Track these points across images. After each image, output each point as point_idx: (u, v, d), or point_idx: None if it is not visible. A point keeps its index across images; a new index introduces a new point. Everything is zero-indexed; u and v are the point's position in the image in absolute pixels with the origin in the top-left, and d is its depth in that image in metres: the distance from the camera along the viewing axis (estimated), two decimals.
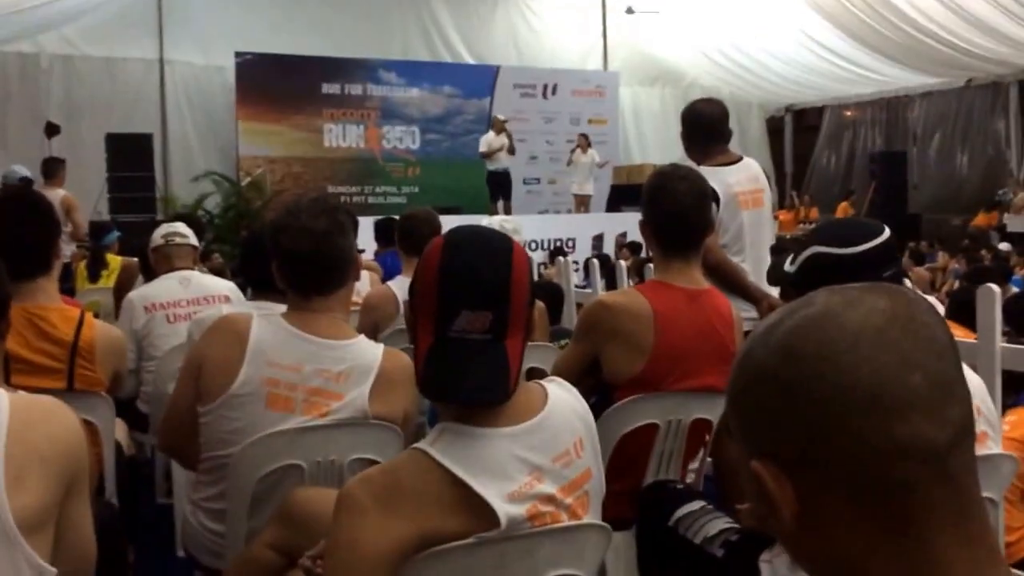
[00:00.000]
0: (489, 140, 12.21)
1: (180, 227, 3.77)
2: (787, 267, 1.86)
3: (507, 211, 12.14)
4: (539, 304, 3.35)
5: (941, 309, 5.35)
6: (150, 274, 3.87)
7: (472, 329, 1.37)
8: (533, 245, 11.21)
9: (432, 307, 1.38)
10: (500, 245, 1.43)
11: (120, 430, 2.78)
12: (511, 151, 12.19)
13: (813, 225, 14.16)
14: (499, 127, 12.22)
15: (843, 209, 14.83)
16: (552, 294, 4.48)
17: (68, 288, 5.26)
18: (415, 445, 1.39)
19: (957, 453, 0.73)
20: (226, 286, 3.58)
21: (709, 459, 2.49)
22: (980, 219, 13.39)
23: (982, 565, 0.73)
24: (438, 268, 1.38)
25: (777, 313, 0.80)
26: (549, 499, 1.39)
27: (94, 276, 5.36)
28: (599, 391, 2.32)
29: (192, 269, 3.68)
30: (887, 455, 0.71)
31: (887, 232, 1.78)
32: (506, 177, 12.29)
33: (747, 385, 0.79)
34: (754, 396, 0.78)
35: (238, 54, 13.15)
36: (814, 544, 0.76)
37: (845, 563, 0.74)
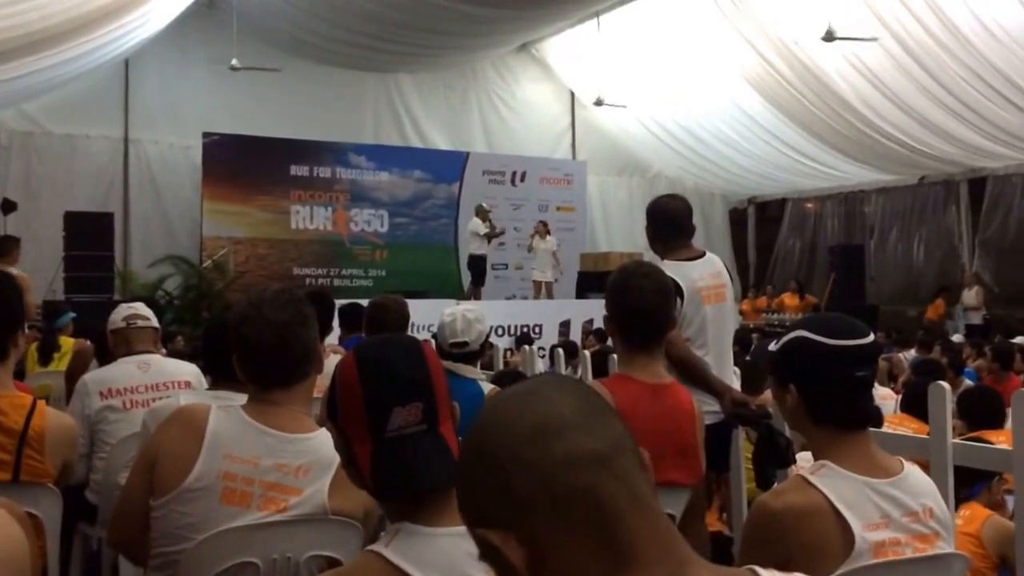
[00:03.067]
0: (479, 226, 12.62)
1: (142, 309, 3.67)
2: (772, 347, 1.90)
3: (477, 296, 12.33)
4: None
5: (897, 400, 5.42)
6: (106, 357, 3.78)
7: (407, 424, 1.40)
8: (499, 331, 11.22)
9: (362, 415, 1.40)
10: (408, 342, 1.50)
11: None
12: (488, 240, 12.65)
13: (778, 313, 14.46)
14: (483, 215, 12.66)
15: (788, 299, 15.12)
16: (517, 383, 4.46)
17: (18, 371, 5.11)
18: (369, 547, 1.38)
19: (620, 459, 0.92)
20: (189, 371, 3.47)
21: None
22: (931, 311, 13.67)
23: (659, 530, 0.91)
24: (359, 377, 1.41)
25: None
26: None
27: (45, 359, 5.21)
28: None
29: (153, 352, 3.60)
30: (565, 466, 0.89)
31: (871, 337, 1.83)
32: (484, 262, 12.66)
33: (462, 478, 0.97)
34: (462, 474, 0.96)
35: (206, 134, 13.23)
36: None
37: None
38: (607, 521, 0.89)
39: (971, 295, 13.06)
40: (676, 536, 0.94)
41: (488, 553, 0.92)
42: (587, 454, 0.90)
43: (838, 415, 1.80)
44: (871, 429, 2.91)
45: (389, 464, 1.38)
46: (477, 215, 12.78)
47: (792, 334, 1.85)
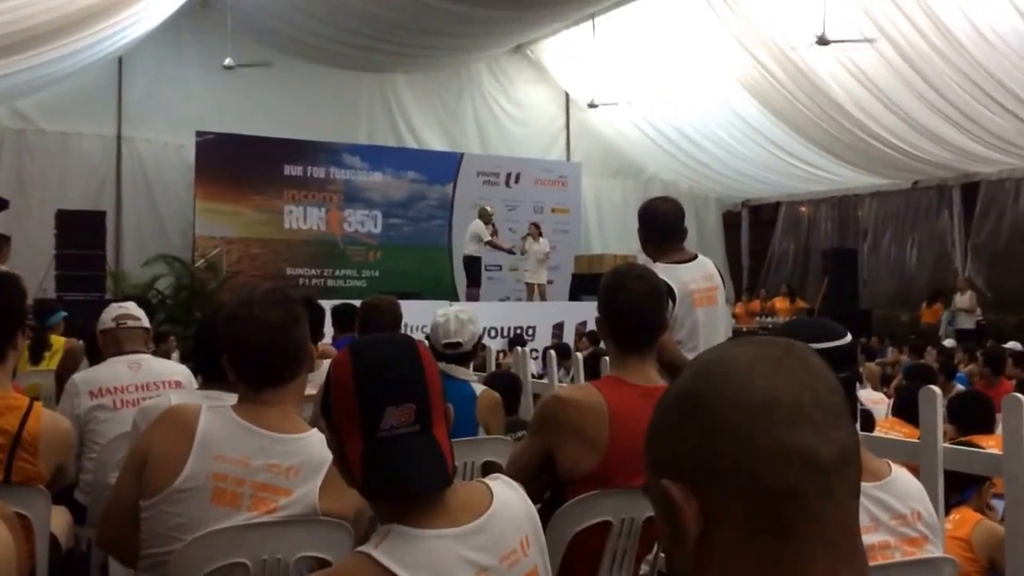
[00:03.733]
0: (482, 230, 12.65)
1: (132, 309, 3.62)
2: None
3: (475, 297, 12.42)
4: (494, 395, 3.35)
5: (889, 405, 5.44)
6: (97, 357, 3.75)
7: (400, 424, 1.39)
8: (492, 332, 11.22)
9: (355, 413, 1.40)
10: (404, 341, 1.49)
11: (62, 521, 2.67)
12: (492, 247, 12.81)
13: (770, 317, 14.48)
14: (487, 218, 12.73)
15: (779, 302, 15.14)
16: (509, 384, 4.46)
17: None
18: (359, 549, 1.38)
19: (842, 473, 0.79)
20: (179, 371, 3.46)
21: (663, 555, 2.46)
22: (928, 315, 13.69)
23: (848, 563, 0.79)
24: (353, 374, 1.41)
25: None
26: None
27: (36, 358, 5.18)
28: (553, 487, 2.31)
29: (143, 352, 3.58)
30: (776, 459, 0.77)
31: (848, 337, 1.85)
32: (479, 263, 12.73)
33: (662, 408, 0.86)
34: (667, 415, 0.85)
35: (199, 133, 13.19)
36: (710, 565, 0.80)
37: None
38: (797, 536, 0.77)
39: (964, 299, 13.07)
40: (862, 569, 0.81)
41: (663, 508, 0.82)
42: (811, 457, 0.78)
43: None
44: (862, 433, 2.93)
45: (379, 464, 1.38)
46: (480, 218, 12.79)
47: None
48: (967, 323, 12.89)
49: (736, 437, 0.79)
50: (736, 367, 0.82)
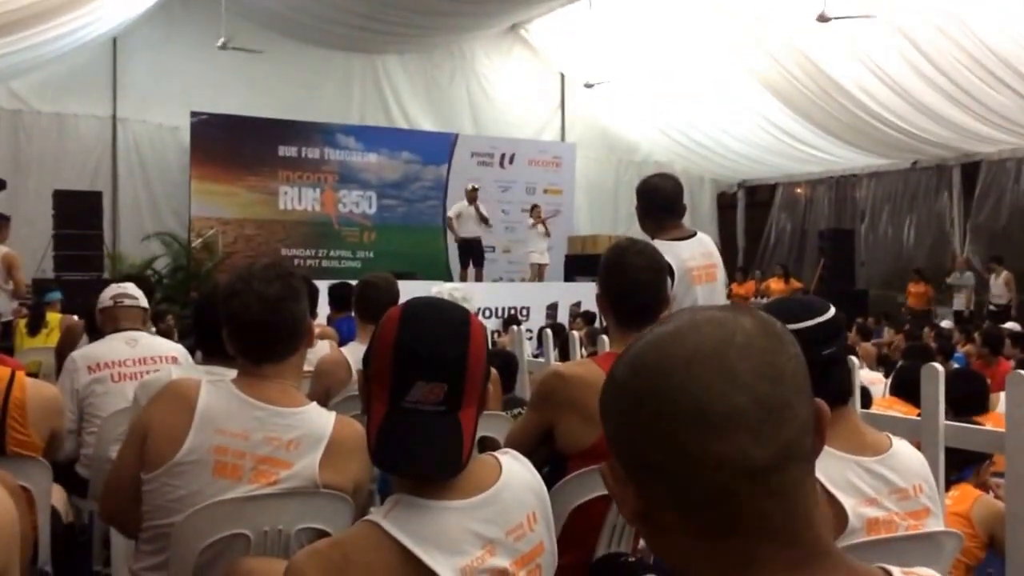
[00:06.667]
0: (460, 209, 12.50)
1: (130, 288, 3.65)
2: None
3: (478, 277, 12.43)
4: (492, 372, 3.34)
5: (886, 385, 5.44)
6: (96, 334, 3.77)
7: (426, 401, 1.38)
8: (487, 313, 11.21)
9: (387, 377, 1.39)
10: (458, 317, 1.45)
11: (58, 496, 2.67)
12: (484, 221, 12.52)
13: (765, 298, 14.47)
14: (471, 197, 12.53)
15: (774, 283, 15.10)
16: (505, 362, 4.48)
17: (7, 346, 5.12)
18: (367, 517, 1.38)
19: (780, 474, 0.78)
20: (175, 348, 3.49)
21: None
22: (915, 298, 13.59)
23: (802, 564, 0.78)
24: (395, 338, 1.39)
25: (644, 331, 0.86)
26: (502, 573, 1.39)
27: (34, 331, 5.22)
28: (552, 462, 2.31)
29: (140, 330, 3.59)
30: (708, 467, 0.76)
31: (831, 311, 1.83)
32: (477, 244, 12.61)
33: (605, 394, 0.85)
34: (609, 404, 0.84)
35: (194, 114, 13.13)
36: (655, 540, 0.83)
37: (678, 561, 0.81)
38: (733, 531, 0.78)
39: (998, 283, 12.54)
40: (820, 553, 0.79)
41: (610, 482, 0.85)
42: (743, 463, 0.76)
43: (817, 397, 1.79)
44: (862, 411, 2.93)
45: (393, 435, 1.37)
46: (466, 196, 12.66)
47: None
48: (965, 305, 12.85)
49: (670, 443, 0.77)
50: (673, 365, 0.79)
